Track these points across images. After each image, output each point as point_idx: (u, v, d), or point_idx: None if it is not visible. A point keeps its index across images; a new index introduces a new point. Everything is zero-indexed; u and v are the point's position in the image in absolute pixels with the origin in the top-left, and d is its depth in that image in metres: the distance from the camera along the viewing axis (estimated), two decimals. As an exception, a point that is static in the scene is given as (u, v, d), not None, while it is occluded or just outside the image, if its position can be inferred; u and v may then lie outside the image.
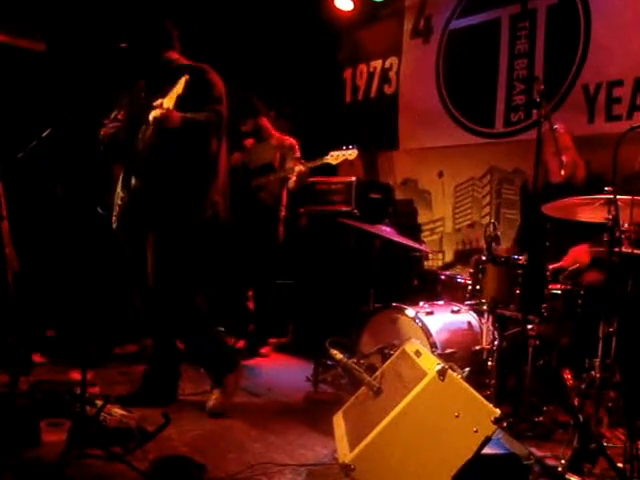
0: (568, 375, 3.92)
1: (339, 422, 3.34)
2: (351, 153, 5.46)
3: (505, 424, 3.73)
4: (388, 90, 7.45)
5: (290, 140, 6.15)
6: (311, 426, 4.04)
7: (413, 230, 6.65)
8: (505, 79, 6.28)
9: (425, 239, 6.78)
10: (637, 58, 5.28)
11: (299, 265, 6.50)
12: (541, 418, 3.98)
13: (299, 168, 5.74)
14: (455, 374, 2.83)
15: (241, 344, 6.15)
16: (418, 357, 3.06)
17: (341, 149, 5.49)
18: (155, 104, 3.88)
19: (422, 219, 6.90)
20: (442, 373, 2.75)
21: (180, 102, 3.89)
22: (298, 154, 6.04)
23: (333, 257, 6.21)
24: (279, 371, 5.69)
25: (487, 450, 2.83)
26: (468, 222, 6.51)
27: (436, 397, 2.77)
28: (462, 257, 5.74)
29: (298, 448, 3.70)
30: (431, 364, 2.85)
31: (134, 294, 4.37)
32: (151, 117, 3.88)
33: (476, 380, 3.87)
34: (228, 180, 4.70)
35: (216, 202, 4.25)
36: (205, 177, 4.20)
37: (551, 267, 4.17)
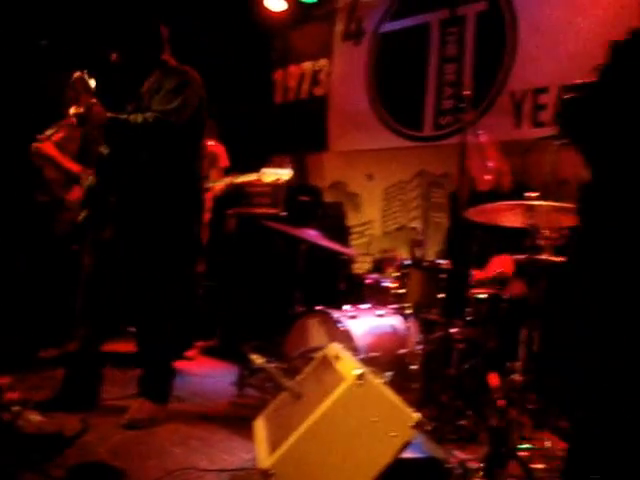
0: (494, 378, 3.95)
1: (259, 427, 3.28)
2: (286, 174, 5.41)
3: (429, 427, 3.73)
4: (318, 92, 7.44)
5: (214, 148, 6.06)
6: (234, 431, 3.97)
7: (342, 233, 6.63)
8: (434, 83, 6.33)
9: (354, 242, 6.78)
10: (562, 66, 5.36)
11: (227, 268, 6.42)
12: (465, 421, 3.99)
13: (227, 181, 5.68)
14: (375, 379, 2.81)
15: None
16: (338, 361, 3.02)
17: (276, 168, 5.42)
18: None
19: (351, 222, 6.90)
20: (361, 378, 2.72)
21: (150, 97, 3.99)
22: (222, 163, 5.97)
23: (261, 260, 6.16)
24: (205, 375, 5.59)
25: (407, 454, 2.82)
26: (397, 225, 6.53)
27: (354, 402, 2.73)
28: (378, 265, 5.74)
29: (220, 453, 3.65)
30: (350, 369, 2.81)
31: (82, 291, 4.23)
32: (72, 114, 3.89)
33: (401, 384, 3.87)
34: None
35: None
36: (168, 181, 4.11)
37: (475, 276, 4.21)
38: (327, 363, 3.14)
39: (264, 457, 2.86)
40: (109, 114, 3.89)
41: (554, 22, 5.50)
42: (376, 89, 6.84)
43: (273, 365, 3.33)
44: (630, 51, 2.24)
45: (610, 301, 2.22)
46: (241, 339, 5.65)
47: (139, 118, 3.88)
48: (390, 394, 2.82)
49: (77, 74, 3.89)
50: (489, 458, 3.18)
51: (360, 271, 5.65)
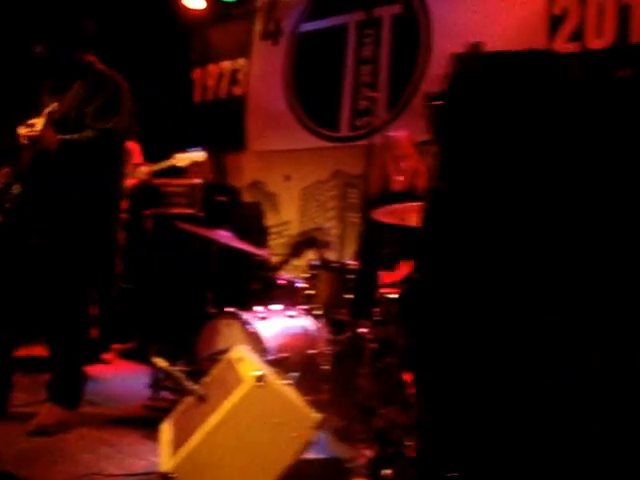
0: (407, 377, 3.99)
1: (165, 430, 3.27)
2: (200, 156, 5.41)
3: (340, 427, 3.77)
4: (237, 91, 7.43)
5: (129, 145, 5.98)
6: (146, 434, 3.92)
7: (260, 233, 6.62)
8: (351, 84, 6.37)
9: (272, 242, 6.77)
10: (474, 69, 5.45)
11: (145, 269, 6.35)
12: (376, 421, 4.02)
13: (144, 170, 5.63)
14: (276, 380, 2.83)
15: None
16: (240, 364, 3.03)
17: (187, 151, 5.42)
18: (29, 123, 3.96)
19: (270, 222, 6.89)
20: (260, 380, 2.74)
21: (80, 106, 3.98)
22: (136, 160, 5.91)
23: (177, 260, 6.11)
24: (121, 378, 5.51)
25: (310, 455, 2.86)
26: (314, 226, 6.55)
27: (254, 404, 2.75)
28: (294, 249, 5.76)
29: (129, 457, 3.62)
30: (250, 371, 2.83)
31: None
32: (23, 136, 3.97)
33: (312, 384, 3.90)
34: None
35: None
36: (99, 188, 4.14)
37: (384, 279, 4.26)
38: (230, 365, 3.15)
39: (166, 460, 2.86)
40: (59, 137, 3.91)
41: (467, 26, 5.60)
42: (294, 89, 6.86)
43: (177, 368, 3.32)
44: (469, 65, 2.34)
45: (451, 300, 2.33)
46: (157, 341, 5.61)
47: (84, 139, 3.92)
48: (291, 395, 2.84)
49: (54, 106, 3.96)
50: (375, 459, 3.22)
51: (275, 271, 5.63)
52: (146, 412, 4.47)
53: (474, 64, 2.35)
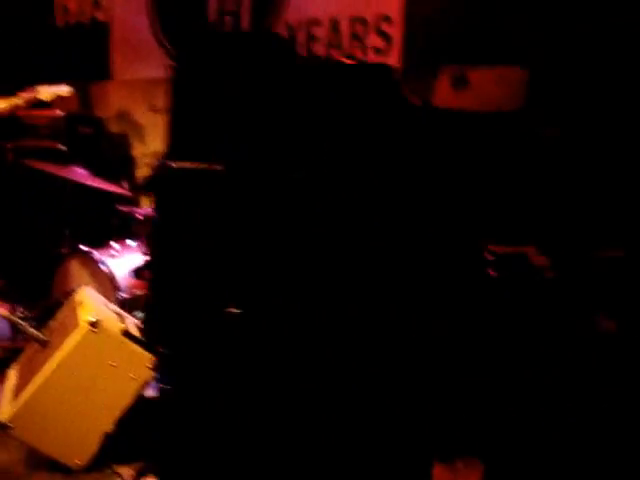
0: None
1: (10, 376, 3.25)
2: (65, 90, 5.23)
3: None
4: (101, 17, 7.12)
5: None
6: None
7: (127, 164, 6.50)
8: (215, 13, 6.22)
9: (139, 173, 6.64)
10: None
11: (4, 203, 6.14)
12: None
13: (12, 102, 5.41)
14: (113, 323, 2.85)
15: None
16: (80, 307, 3.02)
17: (51, 85, 5.24)
18: None
19: (137, 153, 6.75)
20: (94, 325, 2.75)
21: None
22: None
23: (34, 197, 5.92)
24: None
25: (151, 393, 2.92)
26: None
27: (90, 349, 2.77)
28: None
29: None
30: (87, 315, 2.83)
31: None
32: None
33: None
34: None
35: None
36: None
37: None
38: (71, 309, 3.13)
39: (5, 409, 2.85)
40: None
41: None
42: (159, 17, 6.64)
43: (19, 313, 3.28)
44: (198, 43, 2.38)
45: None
46: (24, 280, 5.48)
47: None
48: (126, 338, 2.86)
49: None
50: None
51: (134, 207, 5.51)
52: (3, 354, 4.38)
53: (202, 43, 2.39)
